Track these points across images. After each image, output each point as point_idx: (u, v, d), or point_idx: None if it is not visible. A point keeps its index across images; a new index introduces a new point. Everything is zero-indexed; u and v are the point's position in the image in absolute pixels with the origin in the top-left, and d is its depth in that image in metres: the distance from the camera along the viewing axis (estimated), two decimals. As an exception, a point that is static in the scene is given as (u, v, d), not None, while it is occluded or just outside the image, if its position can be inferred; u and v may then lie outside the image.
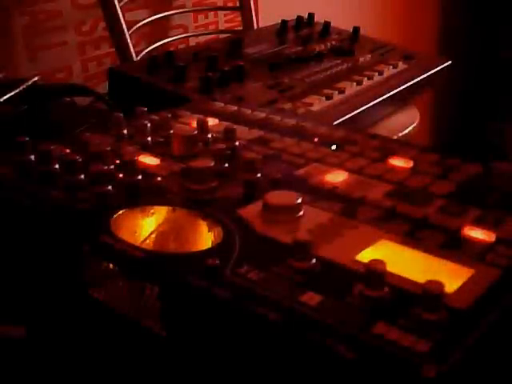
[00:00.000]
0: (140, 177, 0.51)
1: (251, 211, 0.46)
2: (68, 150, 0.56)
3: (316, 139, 0.60)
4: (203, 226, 0.46)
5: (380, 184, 0.51)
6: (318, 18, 1.25)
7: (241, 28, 1.41)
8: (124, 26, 1.17)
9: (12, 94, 0.83)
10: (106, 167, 0.50)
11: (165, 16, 1.32)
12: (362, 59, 1.09)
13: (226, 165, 0.53)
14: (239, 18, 1.43)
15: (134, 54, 1.18)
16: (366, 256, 0.40)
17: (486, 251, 0.42)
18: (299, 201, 0.46)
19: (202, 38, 1.40)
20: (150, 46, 1.27)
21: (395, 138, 1.01)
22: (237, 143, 0.58)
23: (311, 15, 1.25)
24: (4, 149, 0.56)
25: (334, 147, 0.59)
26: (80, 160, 0.51)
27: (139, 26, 1.23)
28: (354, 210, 0.47)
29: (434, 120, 2.34)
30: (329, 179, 0.52)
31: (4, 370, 0.49)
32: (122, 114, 0.63)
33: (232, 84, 0.92)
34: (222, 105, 0.71)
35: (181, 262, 0.41)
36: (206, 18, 1.46)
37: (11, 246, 0.51)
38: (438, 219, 0.46)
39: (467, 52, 2.26)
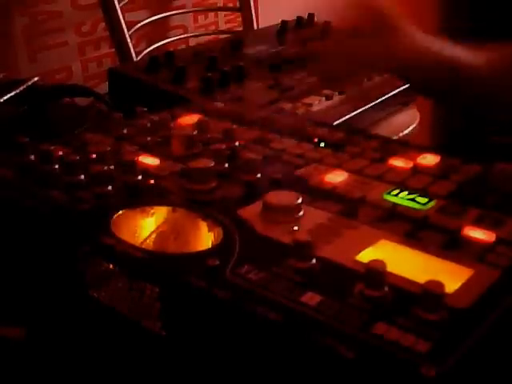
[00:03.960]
0: (140, 177, 0.51)
1: (251, 211, 0.46)
2: (68, 150, 0.56)
3: (316, 139, 0.60)
4: (203, 227, 0.46)
5: (380, 184, 0.51)
6: (318, 19, 1.25)
7: (241, 28, 1.41)
8: (124, 27, 1.17)
9: (12, 94, 0.83)
10: (105, 167, 0.50)
11: (165, 16, 1.33)
12: (362, 59, 1.08)
13: (226, 165, 0.53)
14: (239, 19, 1.43)
15: (134, 55, 1.19)
16: (366, 256, 0.40)
17: (486, 251, 0.42)
18: (299, 201, 0.46)
19: (202, 39, 1.40)
20: (150, 46, 1.27)
21: (395, 138, 1.01)
22: (237, 143, 0.58)
23: (311, 16, 1.25)
24: (4, 149, 0.56)
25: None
26: (80, 160, 0.51)
27: (139, 27, 1.23)
28: (354, 210, 0.47)
29: (434, 120, 2.34)
30: (329, 179, 0.52)
31: (3, 371, 0.49)
32: (122, 114, 0.63)
33: (232, 84, 0.92)
34: (222, 105, 0.71)
35: (181, 262, 0.41)
36: (206, 18, 1.46)
37: (11, 246, 0.51)
38: (438, 219, 0.46)
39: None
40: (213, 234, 0.45)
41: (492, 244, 0.42)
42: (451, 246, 0.42)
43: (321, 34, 1.18)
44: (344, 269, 0.40)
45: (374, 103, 0.94)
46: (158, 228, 0.47)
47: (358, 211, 0.47)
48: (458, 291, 0.37)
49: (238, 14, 1.43)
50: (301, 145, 0.59)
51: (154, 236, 0.46)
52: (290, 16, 1.23)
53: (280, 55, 1.06)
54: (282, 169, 0.54)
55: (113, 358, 0.46)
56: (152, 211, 0.48)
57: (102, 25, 1.22)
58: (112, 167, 0.51)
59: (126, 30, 1.17)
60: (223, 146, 0.55)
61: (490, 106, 0.74)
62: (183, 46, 1.36)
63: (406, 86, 1.02)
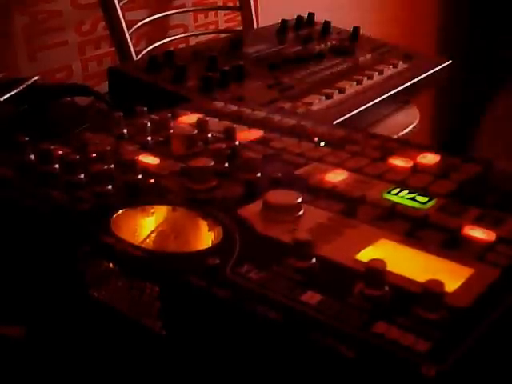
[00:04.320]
0: (140, 176, 0.51)
1: (251, 211, 0.46)
2: (68, 150, 0.56)
3: (316, 139, 0.60)
4: (203, 226, 0.46)
5: (380, 183, 0.51)
6: (318, 18, 1.25)
7: (241, 28, 1.41)
8: (124, 26, 1.17)
9: (12, 93, 0.83)
10: (106, 167, 0.50)
11: (165, 16, 1.32)
12: (361, 59, 1.09)
13: (226, 165, 0.53)
14: (239, 18, 1.43)
15: (134, 54, 1.18)
16: (366, 255, 0.40)
17: (486, 251, 0.42)
18: (299, 200, 0.46)
19: (202, 38, 1.40)
20: (149, 45, 1.27)
21: (395, 137, 1.01)
22: (237, 143, 0.58)
23: (311, 15, 1.25)
24: (4, 149, 0.56)
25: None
26: (80, 159, 0.51)
27: (139, 26, 1.23)
28: (353, 210, 0.47)
29: (434, 120, 2.34)
30: (329, 179, 0.52)
31: (3, 370, 0.49)
32: (122, 114, 0.63)
33: (232, 84, 0.92)
34: (222, 105, 0.71)
35: (181, 262, 0.41)
36: (206, 17, 1.46)
37: (11, 246, 0.51)
38: (438, 219, 0.46)
39: (467, 52, 2.26)
40: (213, 234, 0.45)
41: (492, 243, 0.42)
42: (451, 245, 0.42)
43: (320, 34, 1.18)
44: (344, 268, 0.40)
45: (374, 102, 0.94)
46: (158, 227, 0.47)
47: (358, 210, 0.47)
48: (458, 290, 0.37)
49: (238, 13, 1.42)
50: (301, 144, 0.59)
51: (154, 235, 0.46)
52: (290, 15, 1.23)
53: (280, 54, 1.06)
54: (281, 168, 0.54)
55: (113, 357, 0.46)
56: (152, 210, 0.48)
57: (102, 24, 1.22)
58: (112, 167, 0.51)
59: (125, 29, 1.17)
60: (223, 146, 0.55)
61: None
62: (183, 46, 1.36)
63: (406, 85, 1.02)
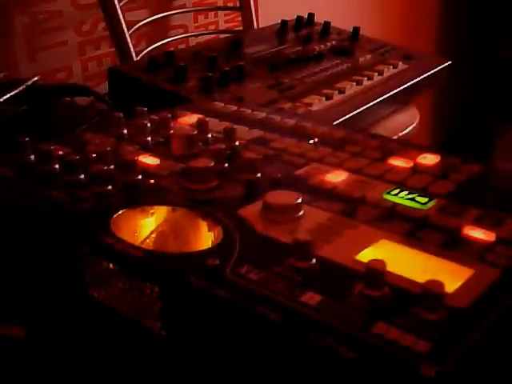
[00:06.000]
0: (140, 177, 0.51)
1: (251, 211, 0.46)
2: (68, 150, 0.56)
3: (316, 139, 0.60)
4: (203, 226, 0.46)
5: (380, 184, 0.51)
6: (318, 18, 1.25)
7: (241, 28, 1.41)
8: (124, 26, 1.17)
9: (12, 93, 0.83)
10: (105, 167, 0.50)
11: (165, 16, 1.32)
12: (361, 59, 1.09)
13: (226, 165, 0.53)
14: (239, 18, 1.43)
15: (134, 54, 1.18)
16: (366, 256, 0.40)
17: (486, 251, 0.42)
18: (299, 201, 0.46)
19: (202, 38, 1.40)
20: (150, 46, 1.27)
21: (395, 138, 1.01)
22: (237, 143, 0.58)
23: (311, 15, 1.25)
24: (4, 149, 0.56)
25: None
26: (80, 160, 0.51)
27: (139, 26, 1.23)
28: (353, 210, 0.47)
29: (434, 120, 2.34)
30: (329, 179, 0.52)
31: (3, 370, 0.49)
32: (122, 114, 0.63)
33: (232, 84, 0.92)
34: (222, 105, 0.71)
35: (181, 262, 0.41)
36: (206, 18, 1.46)
37: (11, 246, 0.51)
38: (438, 219, 0.46)
39: (467, 52, 2.26)
40: (213, 234, 0.45)
41: (492, 243, 0.42)
42: (451, 246, 0.42)
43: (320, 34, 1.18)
44: (344, 268, 0.40)
45: (374, 103, 0.94)
46: (157, 228, 0.47)
47: (358, 211, 0.47)
48: (458, 291, 0.37)
49: (238, 13, 1.43)
50: (301, 144, 0.59)
51: (153, 236, 0.46)
52: (290, 16, 1.23)
53: (280, 55, 1.06)
54: (281, 168, 0.54)
55: (113, 357, 0.46)
56: (152, 211, 0.48)
57: (102, 24, 1.22)
58: (112, 167, 0.51)
59: (125, 30, 1.17)
60: (223, 146, 0.55)
61: None
62: (183, 46, 1.36)
63: (406, 85, 1.02)
